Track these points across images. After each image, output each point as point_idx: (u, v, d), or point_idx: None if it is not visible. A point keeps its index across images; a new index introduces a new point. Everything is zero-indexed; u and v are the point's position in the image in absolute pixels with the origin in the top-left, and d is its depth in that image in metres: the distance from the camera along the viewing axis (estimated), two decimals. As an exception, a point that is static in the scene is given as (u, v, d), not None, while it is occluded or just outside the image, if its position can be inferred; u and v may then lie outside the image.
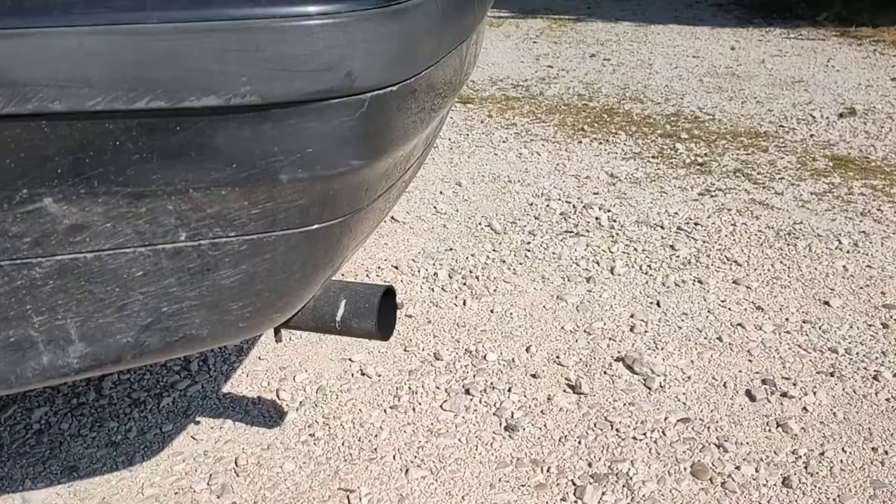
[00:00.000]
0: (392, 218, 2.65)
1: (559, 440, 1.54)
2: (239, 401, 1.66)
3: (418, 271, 2.26)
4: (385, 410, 1.63)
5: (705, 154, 3.34)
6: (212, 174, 0.80)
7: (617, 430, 1.57)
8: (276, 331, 1.21)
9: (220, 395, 1.68)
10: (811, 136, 3.55)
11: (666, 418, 1.60)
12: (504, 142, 3.49)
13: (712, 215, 2.68)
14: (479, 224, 2.59)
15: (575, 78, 4.67)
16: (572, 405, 1.64)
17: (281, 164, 0.82)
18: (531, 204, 2.77)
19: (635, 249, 2.41)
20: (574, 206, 2.74)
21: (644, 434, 1.55)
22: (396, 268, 2.28)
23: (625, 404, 1.65)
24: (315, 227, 0.91)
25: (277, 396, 1.68)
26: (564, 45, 5.65)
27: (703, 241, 2.47)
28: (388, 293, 1.23)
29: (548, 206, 2.76)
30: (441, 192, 2.88)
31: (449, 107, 1.26)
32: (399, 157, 1.02)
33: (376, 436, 1.55)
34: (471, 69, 1.26)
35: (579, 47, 5.57)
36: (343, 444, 1.53)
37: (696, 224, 2.61)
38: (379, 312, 1.19)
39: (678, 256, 2.36)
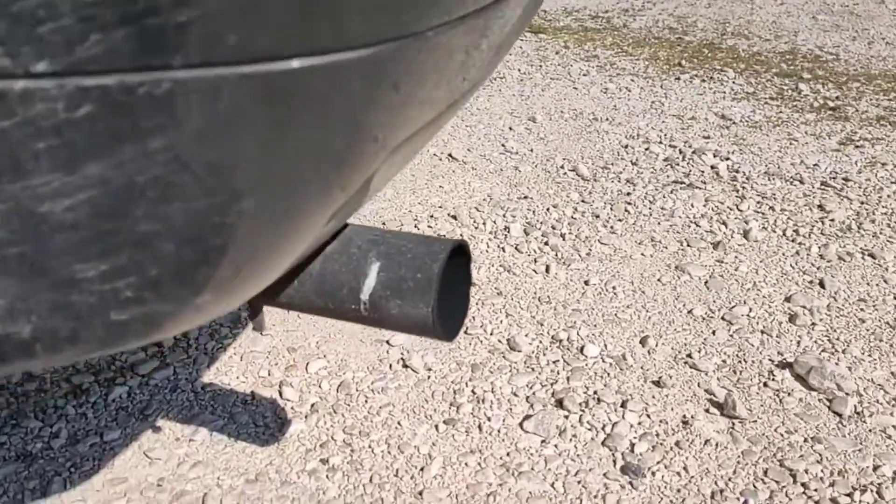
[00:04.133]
0: (449, 155, 2.08)
1: (712, 498, 0.98)
2: (224, 397, 1.14)
3: (483, 224, 1.69)
4: (437, 427, 1.08)
5: (837, 97, 2.69)
6: None
7: (803, 484, 1.00)
8: (253, 311, 0.66)
9: (199, 386, 1.16)
10: (969, 81, 2.86)
11: (877, 468, 1.02)
12: (585, 75, 2.88)
13: (864, 170, 2.05)
14: (561, 168, 2.00)
15: (664, 10, 4.00)
16: (723, 436, 1.08)
17: None
18: (626, 146, 2.17)
19: (772, 209, 1.81)
20: (681, 152, 2.14)
21: (849, 496, 0.98)
22: (454, 218, 1.72)
23: (806, 439, 1.07)
24: (317, 60, 0.35)
25: (280, 394, 1.14)
26: (647, -22, 4.94)
27: (861, 203, 1.85)
28: (457, 255, 0.67)
29: (647, 149, 2.16)
30: (510, 128, 2.30)
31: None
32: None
33: (422, 469, 1.01)
34: None
35: (665, -20, 4.86)
36: (371, 481, 0.99)
37: (845, 180, 1.98)
38: (440, 290, 0.63)
39: (832, 220, 1.75)
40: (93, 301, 0.36)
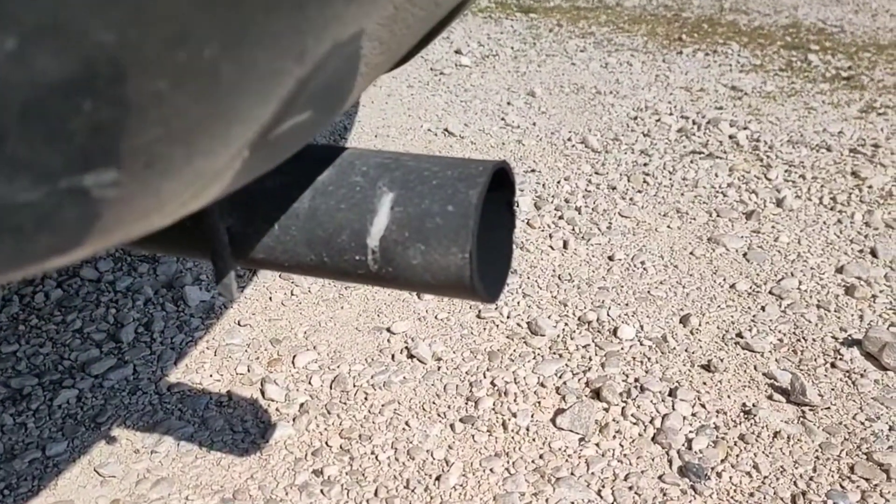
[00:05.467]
0: (445, 130, 1.90)
1: (793, 502, 0.80)
2: (194, 400, 0.95)
3: (487, 200, 1.51)
4: (452, 426, 0.90)
5: (849, 67, 2.54)
6: None
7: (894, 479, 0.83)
8: (219, 271, 0.48)
9: (164, 387, 0.97)
10: (985, 48, 2.72)
11: None
12: (582, 51, 2.72)
13: (892, 136, 1.90)
14: (569, 140, 1.83)
15: (657, -11, 3.85)
16: (794, 427, 0.90)
17: None
18: (635, 118, 2.01)
19: (802, 177, 1.64)
20: (695, 123, 1.98)
21: (960, 493, 0.81)
22: (454, 194, 1.55)
23: (892, 427, 0.90)
24: None
25: (262, 393, 0.96)
26: (635, -39, 4.79)
27: (898, 169, 1.69)
28: (498, 184, 0.49)
29: (658, 121, 1.99)
30: (509, 103, 2.12)
31: None
32: None
33: (438, 478, 0.83)
34: None
35: (653, -38, 4.72)
36: (377, 495, 0.81)
37: (875, 146, 1.83)
38: (481, 232, 0.45)
39: (870, 187, 1.59)
40: None
